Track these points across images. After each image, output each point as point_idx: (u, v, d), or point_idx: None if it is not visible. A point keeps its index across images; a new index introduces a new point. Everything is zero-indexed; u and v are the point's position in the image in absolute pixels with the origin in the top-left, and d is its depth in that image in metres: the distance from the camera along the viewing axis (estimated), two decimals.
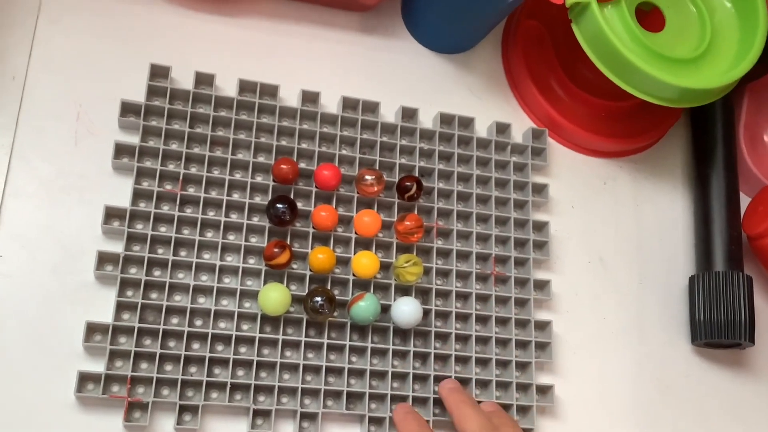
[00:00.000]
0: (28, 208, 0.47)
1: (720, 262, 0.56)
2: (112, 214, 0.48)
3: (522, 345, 0.52)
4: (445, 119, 0.56)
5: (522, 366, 0.52)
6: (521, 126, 0.58)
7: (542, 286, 0.54)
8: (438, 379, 0.50)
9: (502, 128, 0.57)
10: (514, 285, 0.53)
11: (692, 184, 0.61)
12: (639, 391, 0.55)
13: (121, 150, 0.49)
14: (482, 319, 0.52)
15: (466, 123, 0.56)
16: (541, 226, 0.56)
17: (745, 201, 0.59)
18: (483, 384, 0.51)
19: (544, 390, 0.52)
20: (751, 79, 0.61)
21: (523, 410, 0.51)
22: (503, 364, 0.52)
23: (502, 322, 0.53)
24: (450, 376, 0.50)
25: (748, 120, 0.62)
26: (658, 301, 0.58)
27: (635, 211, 0.60)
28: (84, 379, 0.44)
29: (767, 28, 0.54)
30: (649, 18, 0.56)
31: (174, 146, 0.50)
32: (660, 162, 0.62)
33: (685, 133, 0.64)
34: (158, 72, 0.51)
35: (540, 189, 0.57)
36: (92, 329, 0.45)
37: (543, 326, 0.53)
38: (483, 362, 0.51)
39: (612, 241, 0.58)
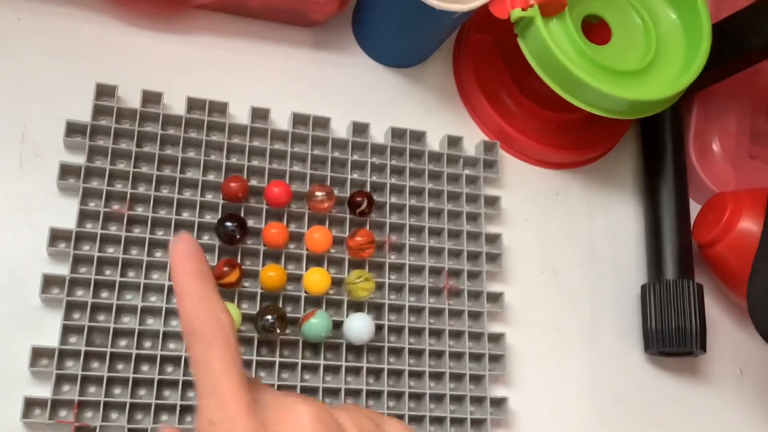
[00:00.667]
0: None
1: (670, 270, 0.57)
2: (57, 236, 0.47)
3: (476, 358, 0.53)
4: (397, 133, 0.56)
5: (476, 379, 0.52)
6: (473, 139, 0.59)
7: (495, 298, 0.54)
8: (391, 395, 0.50)
9: (454, 141, 0.57)
10: (467, 298, 0.54)
11: (643, 194, 0.62)
12: (594, 401, 0.55)
13: (66, 171, 0.48)
14: (436, 333, 0.53)
15: (418, 137, 0.57)
16: (494, 239, 0.56)
17: (696, 209, 0.60)
18: (437, 398, 0.51)
19: (499, 403, 0.52)
20: (701, 87, 0.62)
21: (478, 424, 0.51)
22: (457, 378, 0.52)
23: (456, 335, 0.53)
24: (404, 392, 0.50)
25: (698, 129, 0.63)
26: (612, 310, 0.58)
27: (588, 222, 0.60)
28: (30, 404, 0.43)
29: (711, 37, 0.55)
30: (596, 31, 0.57)
31: (121, 166, 0.49)
32: (611, 172, 0.63)
33: (636, 143, 0.64)
34: (104, 91, 0.50)
35: (493, 201, 0.57)
36: (38, 353, 0.44)
37: (497, 338, 0.53)
38: (437, 376, 0.51)
39: (565, 251, 0.59)
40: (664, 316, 0.55)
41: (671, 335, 0.55)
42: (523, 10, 0.51)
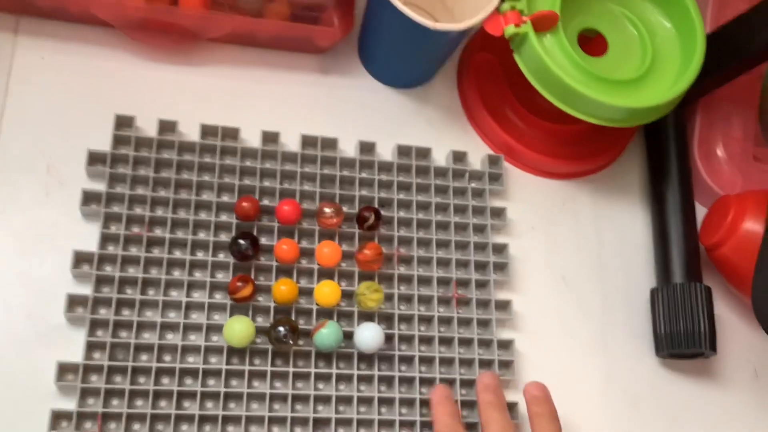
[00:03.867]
0: (2, 257, 0.49)
1: (679, 274, 0.58)
2: (81, 258, 0.50)
3: (486, 364, 0.54)
4: (403, 151, 0.58)
5: None
6: (478, 153, 0.60)
7: (504, 306, 0.56)
8: (403, 402, 0.51)
9: (459, 156, 0.59)
10: (476, 306, 0.55)
11: (649, 200, 0.63)
12: (607, 405, 0.56)
13: (89, 197, 0.51)
14: (446, 341, 0.54)
15: (424, 153, 0.59)
16: (501, 248, 0.57)
17: (703, 213, 0.61)
18: None
19: (510, 407, 0.53)
20: (702, 93, 0.63)
21: None
22: (468, 384, 0.53)
23: (466, 342, 0.54)
24: (415, 398, 0.51)
25: (702, 135, 0.64)
26: (622, 315, 0.59)
27: (595, 230, 0.61)
28: (57, 417, 0.46)
29: (705, 44, 0.56)
30: (593, 44, 0.59)
31: (140, 191, 0.52)
32: (618, 180, 0.64)
33: (641, 152, 0.65)
34: (123, 122, 0.54)
35: (499, 212, 0.58)
36: (64, 369, 0.47)
37: (506, 345, 0.55)
38: (448, 382, 0.53)
39: (573, 259, 0.60)
40: (674, 318, 0.56)
41: (681, 337, 0.55)
42: (517, 26, 0.53)
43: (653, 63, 0.58)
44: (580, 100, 0.54)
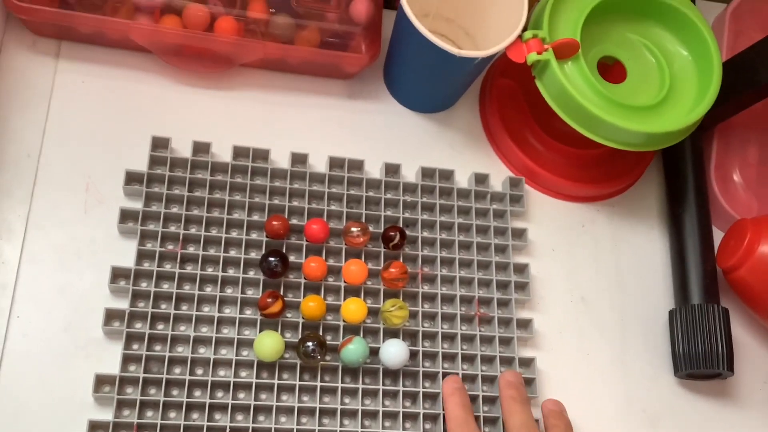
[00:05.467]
0: (43, 272, 0.51)
1: (696, 295, 0.59)
2: (118, 274, 0.52)
3: None
4: (427, 173, 0.60)
5: None
6: (499, 176, 0.62)
7: (525, 324, 0.57)
8: (427, 417, 0.53)
9: (481, 178, 0.61)
10: (498, 325, 0.56)
11: (667, 223, 0.64)
12: (625, 424, 0.57)
13: (126, 215, 0.53)
14: (469, 358, 0.55)
15: (447, 175, 0.60)
16: (522, 268, 0.59)
17: (719, 236, 0.62)
18: None
19: None
20: (719, 120, 0.65)
21: None
22: (491, 401, 0.54)
23: (488, 360, 0.56)
24: (439, 414, 0.52)
25: (719, 160, 0.65)
26: (640, 336, 0.60)
27: (614, 251, 0.63)
28: (94, 427, 0.47)
29: (722, 71, 0.58)
30: (612, 71, 0.61)
31: (175, 209, 0.54)
32: (636, 204, 0.65)
33: (658, 176, 0.67)
34: (159, 143, 0.56)
35: (520, 233, 0.60)
36: (101, 381, 0.49)
37: (527, 363, 0.56)
38: (471, 399, 0.54)
39: (593, 280, 0.61)
40: (692, 339, 0.57)
41: (699, 358, 0.56)
42: (539, 54, 0.55)
43: (671, 90, 0.59)
44: (599, 125, 0.56)
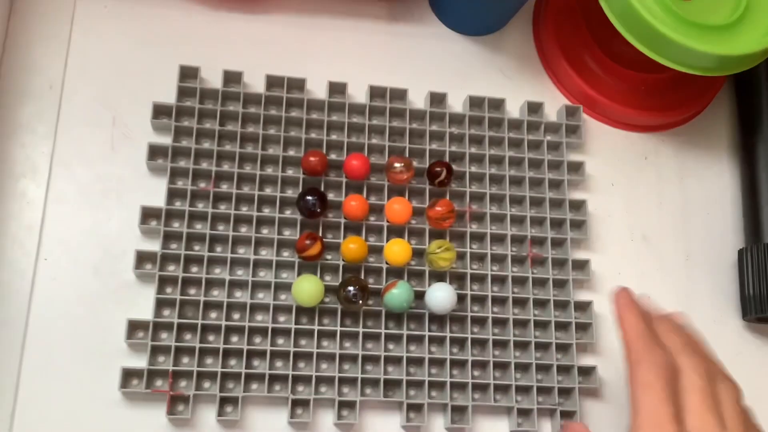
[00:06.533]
0: (70, 212, 0.49)
1: None
2: (148, 214, 0.49)
3: (562, 327, 0.52)
4: (475, 102, 0.55)
5: (563, 348, 0.51)
6: (555, 104, 0.57)
7: (581, 266, 0.53)
8: (476, 364, 0.50)
9: (535, 107, 0.56)
10: (551, 266, 0.53)
11: (738, 154, 0.59)
12: None
13: (155, 151, 0.50)
14: (520, 302, 0.52)
15: (497, 105, 0.56)
16: (578, 205, 0.55)
17: None
18: (523, 367, 0.50)
19: (587, 371, 0.51)
20: None
21: (566, 392, 0.50)
22: (543, 347, 0.51)
23: (541, 304, 0.52)
24: (488, 361, 0.49)
25: None
26: (707, 277, 0.56)
27: (679, 186, 0.58)
28: (128, 375, 0.45)
29: None
30: None
31: (206, 145, 0.51)
32: (704, 133, 0.60)
33: (730, 103, 0.61)
34: (188, 73, 0.52)
35: (576, 167, 0.56)
36: (134, 326, 0.47)
37: (584, 307, 0.52)
38: (522, 345, 0.51)
39: (655, 217, 0.57)
40: (763, 280, 0.53)
41: None
42: None
43: (747, 8, 0.53)
44: (668, 46, 0.50)
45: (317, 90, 0.54)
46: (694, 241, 0.57)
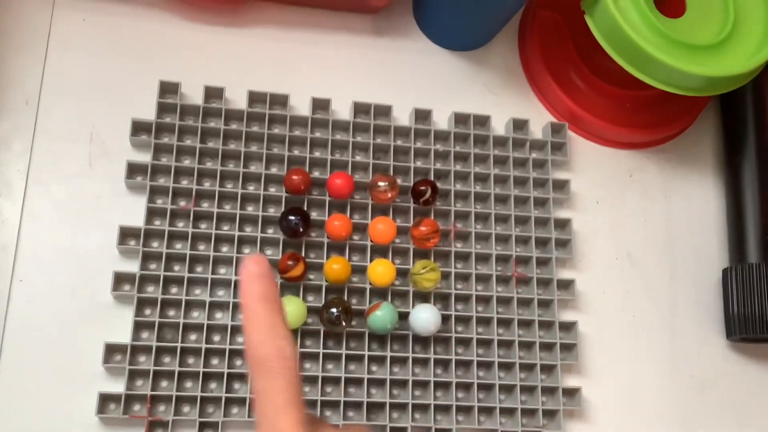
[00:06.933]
0: (46, 231, 0.48)
1: (754, 253, 0.54)
2: (127, 233, 0.48)
3: (547, 347, 0.51)
4: (460, 119, 0.55)
5: (548, 369, 0.51)
6: (540, 121, 0.57)
7: (566, 285, 0.53)
8: (460, 386, 0.49)
9: (520, 124, 0.56)
10: (536, 286, 0.52)
11: (723, 173, 0.59)
12: (673, 389, 0.53)
13: (133, 169, 0.49)
14: (505, 323, 0.51)
15: (482, 121, 0.55)
16: (563, 224, 0.54)
17: None
18: (507, 389, 0.50)
19: (572, 393, 0.50)
20: None
21: (551, 414, 0.50)
22: (528, 368, 0.51)
23: (526, 324, 0.52)
24: (473, 383, 0.49)
25: None
26: (691, 296, 0.56)
27: (664, 204, 0.58)
28: (105, 399, 0.44)
29: None
30: (670, 3, 0.54)
31: (186, 162, 0.50)
32: (689, 151, 0.60)
33: (715, 120, 0.61)
34: (168, 88, 0.51)
35: (562, 185, 0.55)
36: (111, 349, 0.45)
37: (568, 327, 0.52)
38: (507, 366, 0.50)
39: (640, 235, 0.56)
40: (747, 300, 0.53)
41: (755, 320, 0.52)
42: None
43: (734, 27, 0.53)
44: (654, 66, 0.50)
45: (300, 106, 0.53)
46: (678, 259, 0.56)
